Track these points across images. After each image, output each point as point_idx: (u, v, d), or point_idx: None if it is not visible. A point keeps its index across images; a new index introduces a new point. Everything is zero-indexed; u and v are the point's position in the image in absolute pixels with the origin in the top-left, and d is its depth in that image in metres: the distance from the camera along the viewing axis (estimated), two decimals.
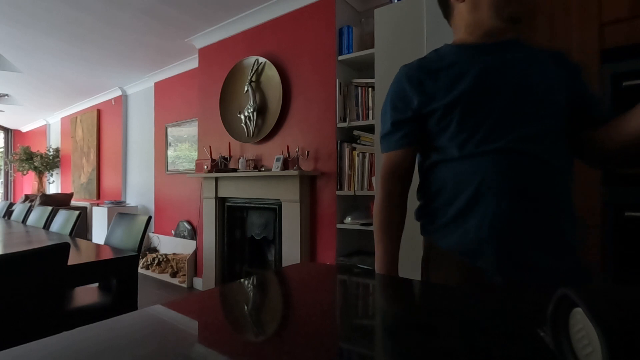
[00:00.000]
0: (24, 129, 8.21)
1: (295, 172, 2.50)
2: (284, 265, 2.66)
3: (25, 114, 6.95)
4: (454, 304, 0.59)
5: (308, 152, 2.65)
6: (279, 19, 2.90)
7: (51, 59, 4.06)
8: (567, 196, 0.76)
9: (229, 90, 3.22)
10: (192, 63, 4.02)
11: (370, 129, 2.32)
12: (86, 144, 5.98)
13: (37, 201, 5.23)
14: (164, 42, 3.59)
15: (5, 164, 8.11)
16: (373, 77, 2.03)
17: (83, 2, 2.85)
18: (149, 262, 4.04)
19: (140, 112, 5.00)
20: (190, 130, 4.13)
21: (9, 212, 4.19)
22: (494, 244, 0.74)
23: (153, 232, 4.46)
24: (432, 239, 0.85)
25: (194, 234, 3.96)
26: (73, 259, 1.52)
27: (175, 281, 3.72)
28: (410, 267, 1.07)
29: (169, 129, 4.38)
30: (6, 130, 8.18)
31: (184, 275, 3.65)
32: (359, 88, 2.40)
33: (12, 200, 7.81)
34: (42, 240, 2.12)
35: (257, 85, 3.00)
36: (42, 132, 7.59)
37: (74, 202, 5.90)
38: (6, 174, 8.17)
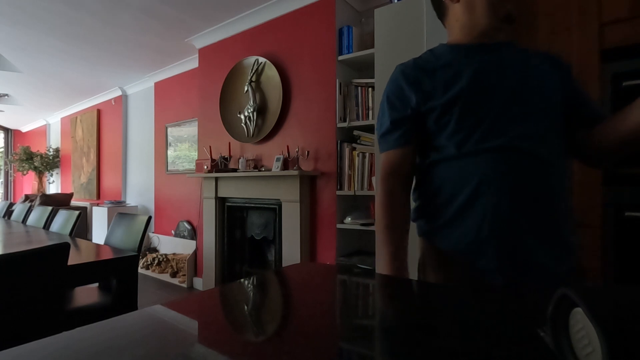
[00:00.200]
0: (24, 129, 8.21)
1: (295, 172, 2.50)
2: (284, 265, 2.66)
3: (25, 114, 6.96)
4: (454, 304, 0.59)
5: (308, 152, 2.65)
6: (278, 19, 2.90)
7: (51, 59, 4.06)
8: (565, 196, 0.77)
9: (229, 90, 3.22)
10: (192, 63, 4.02)
11: (370, 129, 2.32)
12: (86, 144, 5.98)
13: (37, 201, 5.23)
14: (164, 42, 3.59)
15: (5, 164, 8.11)
16: (373, 77, 2.03)
17: (83, 2, 2.85)
18: (149, 262, 4.04)
19: (140, 112, 5.00)
20: (190, 130, 4.13)
21: (9, 212, 4.19)
22: (494, 244, 0.74)
23: (153, 232, 4.46)
24: (430, 240, 0.85)
25: (194, 234, 3.96)
26: (73, 259, 1.52)
27: (175, 281, 3.72)
28: (409, 267, 1.07)
29: (169, 129, 4.39)
30: (6, 130, 8.18)
31: (184, 275, 3.65)
32: (359, 88, 2.40)
33: (12, 200, 7.81)
34: (42, 240, 2.12)
35: (257, 85, 3.01)
36: (42, 132, 7.59)
37: (74, 202, 5.90)
38: (6, 174, 8.17)
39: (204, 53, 3.56)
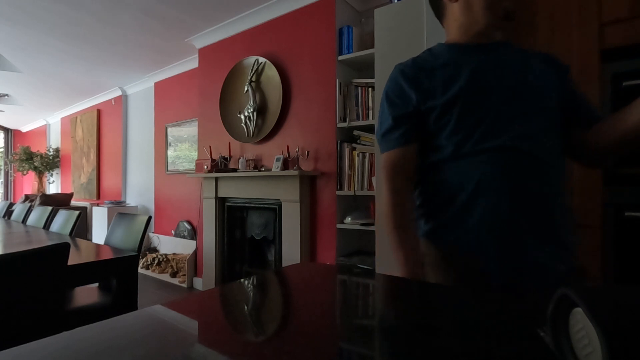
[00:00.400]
0: (24, 129, 8.21)
1: (295, 172, 2.50)
2: (284, 265, 2.66)
3: (25, 114, 6.96)
4: (454, 304, 0.59)
5: (308, 152, 2.65)
6: (279, 19, 2.90)
7: (51, 59, 4.06)
8: (564, 195, 0.77)
9: (229, 90, 3.22)
10: (192, 63, 4.02)
11: (370, 129, 2.32)
12: (86, 144, 5.98)
13: (37, 201, 5.23)
14: (164, 42, 3.59)
15: (5, 164, 8.11)
16: (373, 77, 2.03)
17: (83, 2, 2.85)
18: (149, 262, 4.04)
19: (140, 112, 5.00)
20: (190, 130, 4.13)
21: (9, 212, 4.19)
22: (494, 243, 0.74)
23: (153, 232, 4.46)
24: (430, 239, 0.84)
25: (194, 234, 3.96)
26: (73, 259, 1.51)
27: (175, 281, 3.72)
28: None
29: (169, 129, 4.39)
30: (6, 130, 8.18)
31: (184, 275, 3.65)
32: (359, 88, 2.40)
33: (12, 200, 7.81)
34: (42, 240, 2.12)
35: (257, 85, 3.00)
36: (42, 132, 7.59)
37: (74, 202, 5.90)
38: (6, 174, 8.17)
39: (204, 53, 3.56)
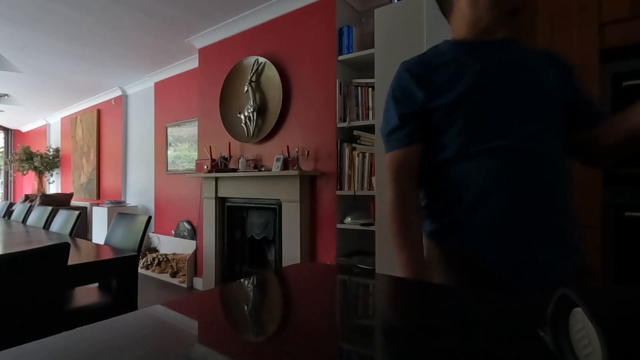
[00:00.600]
0: (24, 129, 8.21)
1: (295, 172, 2.50)
2: (284, 265, 2.66)
3: (25, 114, 6.95)
4: (454, 304, 0.59)
5: (308, 152, 2.65)
6: (278, 19, 2.90)
7: (51, 59, 4.06)
8: (567, 195, 0.77)
9: (229, 90, 3.22)
10: (192, 63, 4.02)
11: (370, 129, 2.32)
12: (86, 144, 5.98)
13: (37, 201, 5.23)
14: (164, 42, 3.59)
15: (5, 164, 8.11)
16: (373, 77, 2.03)
17: (83, 2, 2.85)
18: (149, 262, 4.04)
19: (140, 112, 5.00)
20: (190, 130, 4.13)
21: (9, 212, 4.19)
22: (498, 243, 0.74)
23: (153, 232, 4.46)
24: (435, 240, 0.84)
25: (194, 234, 3.96)
26: (73, 259, 1.51)
27: (175, 281, 3.72)
28: None
29: (169, 129, 4.39)
30: (6, 130, 8.18)
31: (184, 275, 3.65)
32: (359, 88, 2.39)
33: (12, 200, 7.81)
34: (42, 240, 2.12)
35: (257, 85, 3.00)
36: (42, 132, 7.59)
37: (74, 202, 5.90)
38: (6, 174, 8.17)
39: (204, 53, 3.56)
